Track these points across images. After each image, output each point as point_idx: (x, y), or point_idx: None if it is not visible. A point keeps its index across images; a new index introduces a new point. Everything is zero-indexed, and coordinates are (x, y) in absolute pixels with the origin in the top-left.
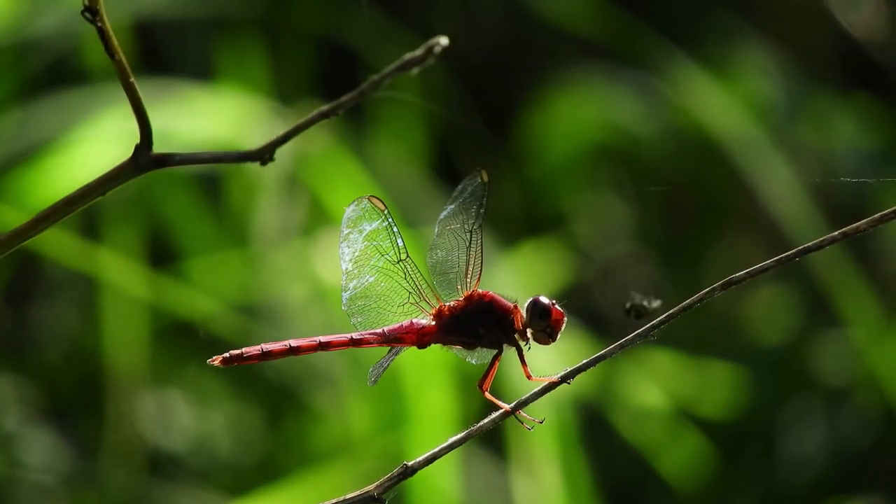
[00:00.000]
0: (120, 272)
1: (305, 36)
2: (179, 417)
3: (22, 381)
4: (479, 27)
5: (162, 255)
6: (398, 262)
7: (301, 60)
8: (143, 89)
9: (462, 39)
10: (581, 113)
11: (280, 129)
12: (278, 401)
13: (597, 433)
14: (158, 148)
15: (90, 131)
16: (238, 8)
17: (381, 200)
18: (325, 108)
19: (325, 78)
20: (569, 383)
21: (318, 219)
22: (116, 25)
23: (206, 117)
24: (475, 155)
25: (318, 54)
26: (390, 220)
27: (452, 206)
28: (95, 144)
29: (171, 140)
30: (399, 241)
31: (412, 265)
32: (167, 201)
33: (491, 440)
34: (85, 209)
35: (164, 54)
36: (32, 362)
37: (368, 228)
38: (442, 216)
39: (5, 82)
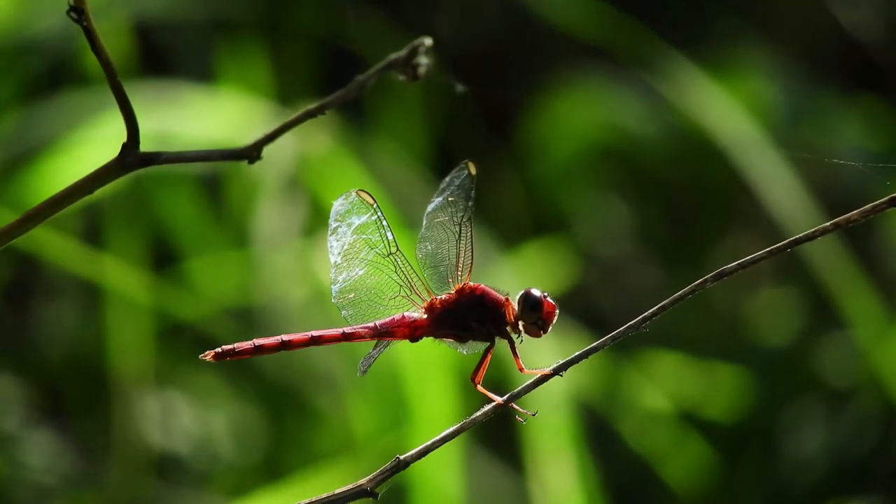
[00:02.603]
0: (121, 273)
1: (306, 37)
2: (181, 418)
3: (23, 381)
4: (480, 29)
5: (162, 256)
6: (388, 256)
7: (301, 62)
8: (144, 91)
9: (464, 41)
10: (583, 114)
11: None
12: (279, 402)
13: (601, 437)
14: (158, 149)
15: (90, 133)
16: (238, 10)
17: (369, 194)
18: (312, 106)
19: (325, 80)
20: (561, 375)
21: (318, 220)
22: (117, 27)
23: (206, 119)
24: (476, 156)
25: (318, 56)
26: (379, 213)
27: (440, 199)
28: (95, 146)
29: (171, 142)
30: (389, 234)
31: (403, 259)
32: (168, 203)
33: (497, 444)
34: (86, 211)
35: (165, 56)
36: (33, 363)
37: (357, 222)
38: (429, 209)
39: (5, 84)
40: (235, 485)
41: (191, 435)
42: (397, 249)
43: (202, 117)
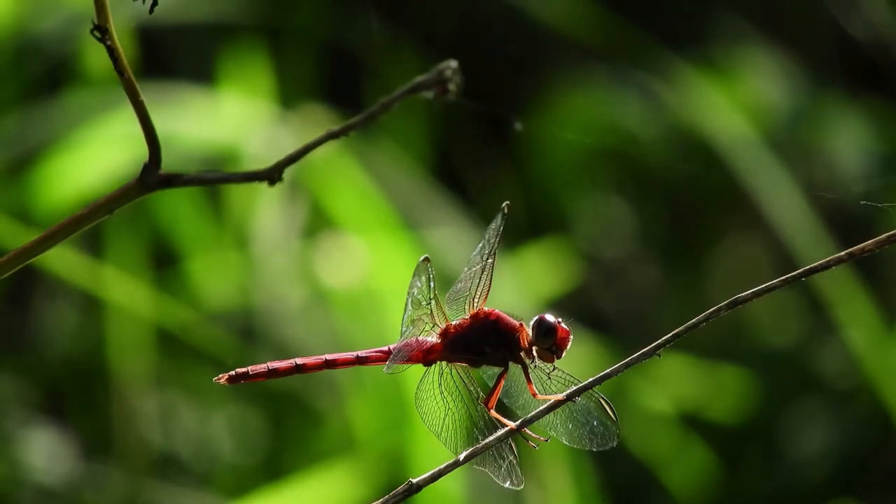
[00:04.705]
0: (121, 274)
1: (307, 40)
2: (181, 419)
3: (23, 381)
4: (481, 31)
5: (163, 257)
6: (428, 304)
7: (303, 64)
8: (145, 93)
9: (465, 43)
10: (583, 116)
11: (282, 134)
12: (279, 402)
13: None
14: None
15: (91, 134)
16: (240, 12)
17: (427, 259)
18: (335, 128)
19: (327, 82)
20: (574, 401)
21: (319, 222)
22: (119, 29)
23: (208, 121)
24: (477, 158)
25: (320, 58)
26: (430, 271)
27: (480, 245)
28: (96, 147)
29: (173, 144)
30: (432, 283)
31: (436, 298)
32: (169, 204)
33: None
34: None
35: (167, 58)
36: (33, 363)
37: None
38: (472, 255)
39: (6, 85)
40: (235, 485)
41: (191, 435)
42: (435, 295)
43: (203, 120)
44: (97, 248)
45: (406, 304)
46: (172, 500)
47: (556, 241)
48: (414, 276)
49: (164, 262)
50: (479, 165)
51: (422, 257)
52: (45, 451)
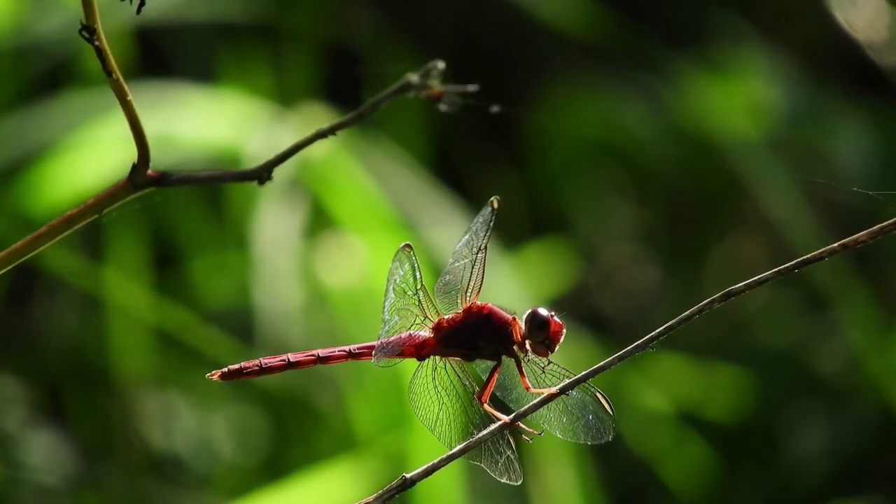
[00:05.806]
0: (122, 274)
1: (307, 39)
2: (181, 419)
3: (24, 382)
4: (481, 30)
5: (163, 257)
6: (415, 294)
7: (302, 64)
8: (145, 93)
9: (465, 42)
10: (584, 115)
11: (282, 133)
12: (280, 402)
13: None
14: (159, 151)
15: (90, 135)
16: (240, 11)
17: (409, 245)
18: (323, 128)
19: (327, 81)
20: (568, 395)
21: (319, 222)
22: (119, 28)
23: (208, 120)
24: (477, 158)
25: (319, 58)
26: (414, 260)
27: (467, 237)
28: (95, 148)
29: (173, 144)
30: (417, 274)
31: (423, 289)
32: (169, 205)
33: None
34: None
35: (166, 57)
36: (34, 363)
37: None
38: (457, 246)
39: (6, 85)
40: (236, 485)
41: (191, 435)
42: (422, 285)
43: (203, 119)
44: (97, 248)
45: (387, 292)
46: (173, 500)
47: (556, 241)
48: (394, 262)
49: (164, 263)
50: (479, 165)
51: (402, 244)
52: (45, 451)
